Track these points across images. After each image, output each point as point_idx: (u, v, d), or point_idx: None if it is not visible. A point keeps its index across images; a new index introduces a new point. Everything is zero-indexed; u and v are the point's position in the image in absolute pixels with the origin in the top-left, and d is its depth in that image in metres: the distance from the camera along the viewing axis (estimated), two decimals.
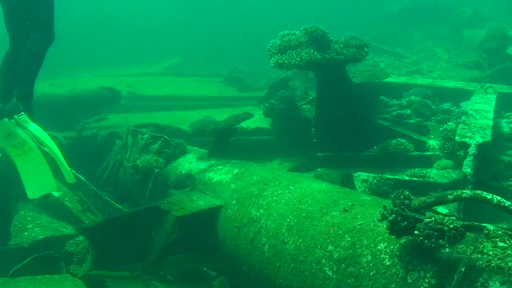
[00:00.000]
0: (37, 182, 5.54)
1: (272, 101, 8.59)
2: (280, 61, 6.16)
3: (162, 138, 6.96)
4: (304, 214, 4.35)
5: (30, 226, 6.19)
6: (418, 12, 19.90)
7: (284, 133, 8.51)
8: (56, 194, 6.70)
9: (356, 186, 5.83)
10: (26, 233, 6.00)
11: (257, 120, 8.98)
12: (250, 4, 28.65)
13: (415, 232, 3.09)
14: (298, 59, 6.05)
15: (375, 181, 5.81)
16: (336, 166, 6.79)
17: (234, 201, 5.24)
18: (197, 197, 5.60)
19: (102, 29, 23.91)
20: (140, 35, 23.42)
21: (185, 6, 28.15)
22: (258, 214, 4.80)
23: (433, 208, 3.65)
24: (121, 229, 5.45)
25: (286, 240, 4.27)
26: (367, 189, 5.79)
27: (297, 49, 6.24)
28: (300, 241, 4.13)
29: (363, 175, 5.96)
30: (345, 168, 6.59)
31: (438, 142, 6.83)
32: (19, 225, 6.18)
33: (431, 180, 5.90)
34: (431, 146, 6.91)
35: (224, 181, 5.67)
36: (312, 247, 3.99)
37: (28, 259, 4.92)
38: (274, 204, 4.75)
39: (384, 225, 3.37)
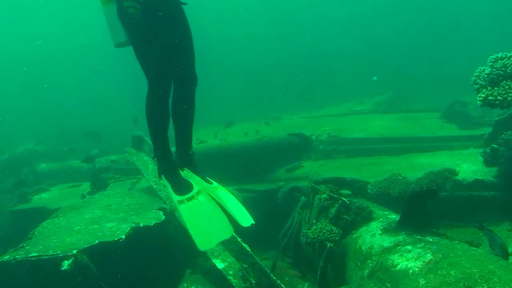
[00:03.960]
0: (208, 230, 4.64)
1: (495, 146, 6.50)
2: (490, 97, 4.28)
3: (340, 201, 5.55)
4: None
5: None
6: None
7: None
8: (220, 265, 5.79)
9: None
10: None
11: (477, 169, 6.97)
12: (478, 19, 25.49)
13: None
14: None
15: None
16: None
17: None
18: None
19: (316, 67, 23.55)
20: (354, 69, 22.35)
21: (400, 34, 26.35)
22: None
23: None
24: None
25: None
26: None
27: None
28: None
29: None
30: None
31: None
32: None
33: None
34: None
35: (411, 271, 4.02)
36: None
37: None
38: None
39: None
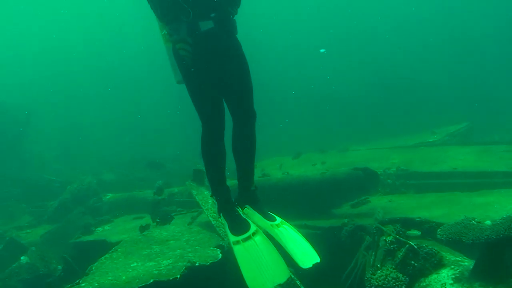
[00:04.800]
0: (262, 273, 4.41)
1: None
2: None
3: (407, 245, 5.15)
4: None
5: None
6: None
7: None
8: None
9: None
10: None
11: None
12: None
13: None
14: None
15: None
16: None
17: None
18: None
19: (385, 96, 22.91)
20: (425, 98, 21.54)
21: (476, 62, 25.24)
22: None
23: None
24: None
25: None
26: None
27: None
28: None
29: None
30: None
31: None
32: None
33: None
34: None
35: None
36: None
37: None
38: None
39: None
